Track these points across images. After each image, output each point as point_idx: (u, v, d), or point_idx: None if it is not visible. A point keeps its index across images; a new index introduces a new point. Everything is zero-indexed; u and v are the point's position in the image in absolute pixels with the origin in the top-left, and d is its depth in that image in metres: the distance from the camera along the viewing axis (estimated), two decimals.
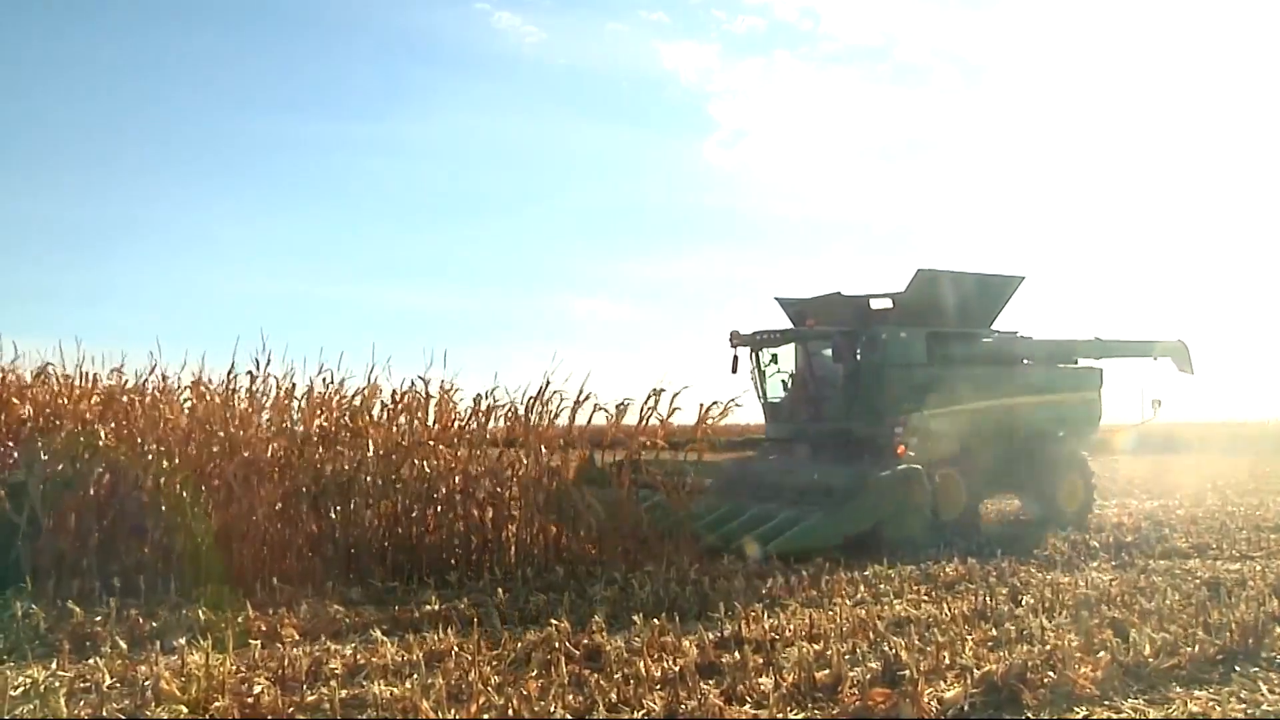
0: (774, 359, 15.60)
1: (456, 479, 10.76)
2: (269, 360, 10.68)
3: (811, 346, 14.94)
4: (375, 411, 11.00)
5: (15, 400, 9.71)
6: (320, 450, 10.41)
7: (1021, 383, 15.47)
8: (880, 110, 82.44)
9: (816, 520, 11.56)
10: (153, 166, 71.65)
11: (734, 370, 15.50)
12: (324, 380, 10.82)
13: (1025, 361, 16.03)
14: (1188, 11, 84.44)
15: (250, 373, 10.58)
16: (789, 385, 15.53)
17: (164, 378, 10.40)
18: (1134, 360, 17.40)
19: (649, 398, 11.86)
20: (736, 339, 15.36)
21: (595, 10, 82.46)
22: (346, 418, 10.82)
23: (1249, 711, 5.42)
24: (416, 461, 10.63)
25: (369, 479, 10.33)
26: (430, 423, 11.22)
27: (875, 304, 15.10)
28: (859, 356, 14.40)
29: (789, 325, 15.61)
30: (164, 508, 9.24)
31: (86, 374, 10.20)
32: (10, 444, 9.31)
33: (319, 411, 10.70)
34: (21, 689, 5.58)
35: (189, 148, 73.24)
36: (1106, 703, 5.51)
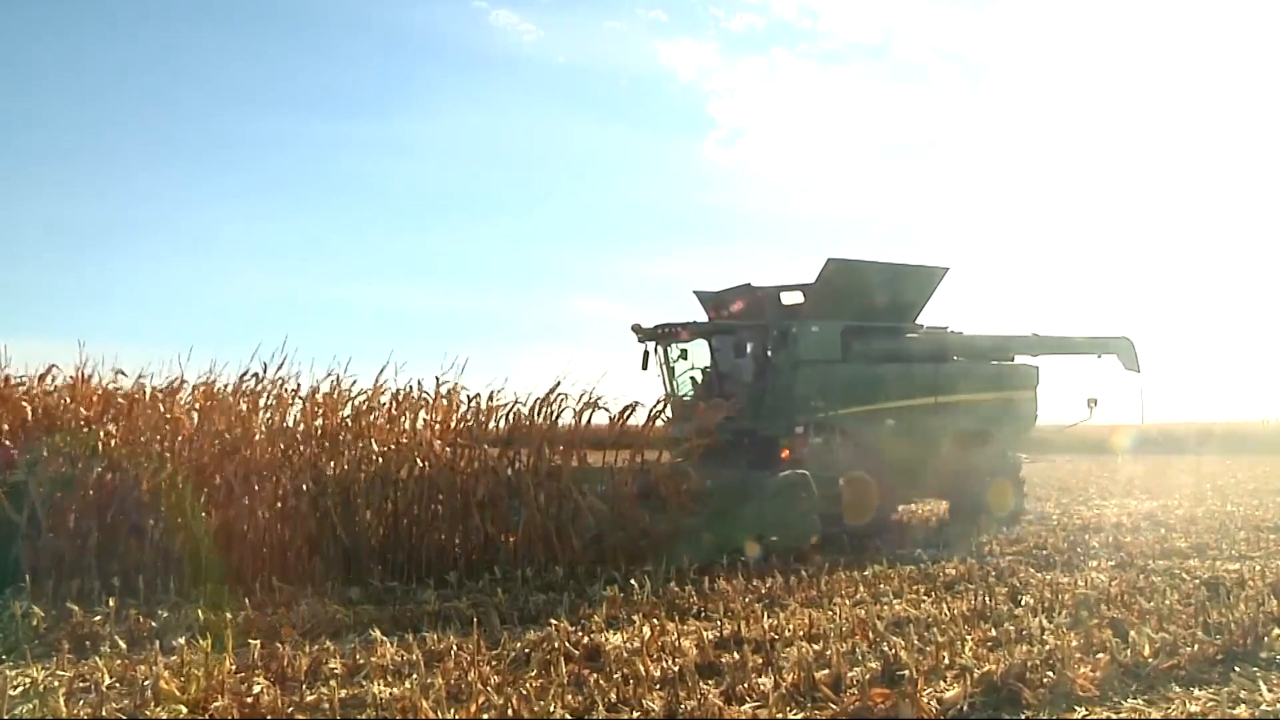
0: (683, 354, 14.87)
1: (457, 479, 10.77)
2: (278, 364, 10.68)
3: (719, 342, 14.23)
4: (376, 412, 11.00)
5: (17, 400, 9.69)
6: (320, 450, 10.40)
7: (950, 381, 14.86)
8: (880, 109, 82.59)
9: (710, 528, 10.90)
10: (153, 166, 71.74)
11: (644, 367, 14.85)
12: (325, 380, 10.81)
13: (955, 358, 15.39)
14: (1190, 8, 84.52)
15: (256, 375, 10.57)
16: (698, 383, 14.85)
17: (169, 379, 10.39)
18: (1080, 358, 16.94)
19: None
20: (640, 333, 14.65)
21: (593, 8, 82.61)
22: (347, 418, 10.81)
23: (1249, 712, 5.42)
24: (418, 461, 10.63)
25: (369, 479, 10.33)
26: (432, 422, 11.21)
27: (787, 297, 14.49)
28: (769, 352, 13.84)
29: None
30: (163, 507, 9.25)
31: (87, 374, 10.19)
32: (10, 444, 9.29)
33: (319, 411, 10.69)
34: (21, 689, 5.58)
35: (188, 147, 73.33)
36: (1106, 703, 5.51)
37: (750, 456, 13.39)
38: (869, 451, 13.64)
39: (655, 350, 14.85)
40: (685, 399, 14.74)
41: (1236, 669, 6.03)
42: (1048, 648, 6.26)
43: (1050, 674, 5.74)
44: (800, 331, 13.64)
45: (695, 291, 15.38)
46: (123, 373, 10.28)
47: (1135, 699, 5.58)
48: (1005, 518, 14.47)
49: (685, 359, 14.81)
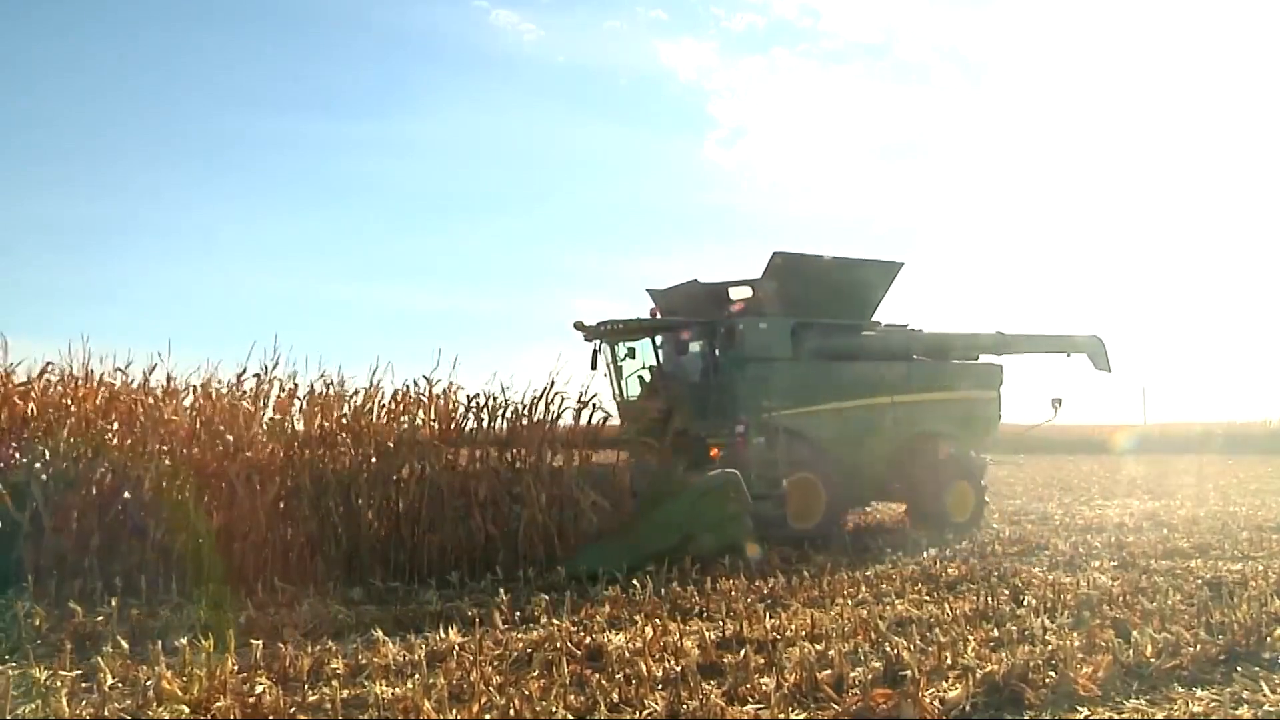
0: (631, 353, 14.34)
1: (457, 479, 10.77)
2: (276, 363, 10.66)
3: (664, 339, 13.73)
4: (376, 411, 10.99)
5: (18, 399, 9.69)
6: (321, 450, 10.39)
7: (908, 380, 14.36)
8: (881, 108, 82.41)
9: (630, 533, 10.62)
10: (153, 166, 71.65)
11: (594, 366, 14.28)
12: (325, 380, 10.80)
13: (916, 357, 14.86)
14: (1193, 5, 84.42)
15: (257, 375, 10.55)
16: (645, 382, 14.37)
17: (169, 378, 10.38)
18: (1049, 357, 16.37)
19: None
20: (584, 330, 13.98)
21: (593, 7, 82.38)
22: (348, 417, 10.81)
23: (1252, 712, 5.41)
24: (417, 462, 10.63)
25: (370, 479, 10.32)
26: (431, 422, 11.21)
27: (735, 293, 13.76)
28: (716, 350, 13.32)
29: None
30: (165, 508, 9.26)
31: (90, 373, 10.18)
32: (13, 443, 9.29)
33: (320, 411, 10.68)
34: (23, 688, 5.57)
35: (188, 147, 73.24)
36: (1108, 703, 5.50)
37: (690, 458, 12.78)
38: (819, 453, 13.18)
39: (602, 349, 14.33)
40: (632, 399, 14.36)
41: (1239, 669, 6.03)
42: (1050, 648, 6.25)
43: (1052, 674, 5.74)
44: (747, 328, 13.10)
45: (648, 289, 14.83)
46: (123, 371, 10.26)
47: (1137, 699, 5.58)
48: (965, 523, 13.92)
49: (634, 358, 14.35)
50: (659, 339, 13.89)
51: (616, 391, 14.46)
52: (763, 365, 13.07)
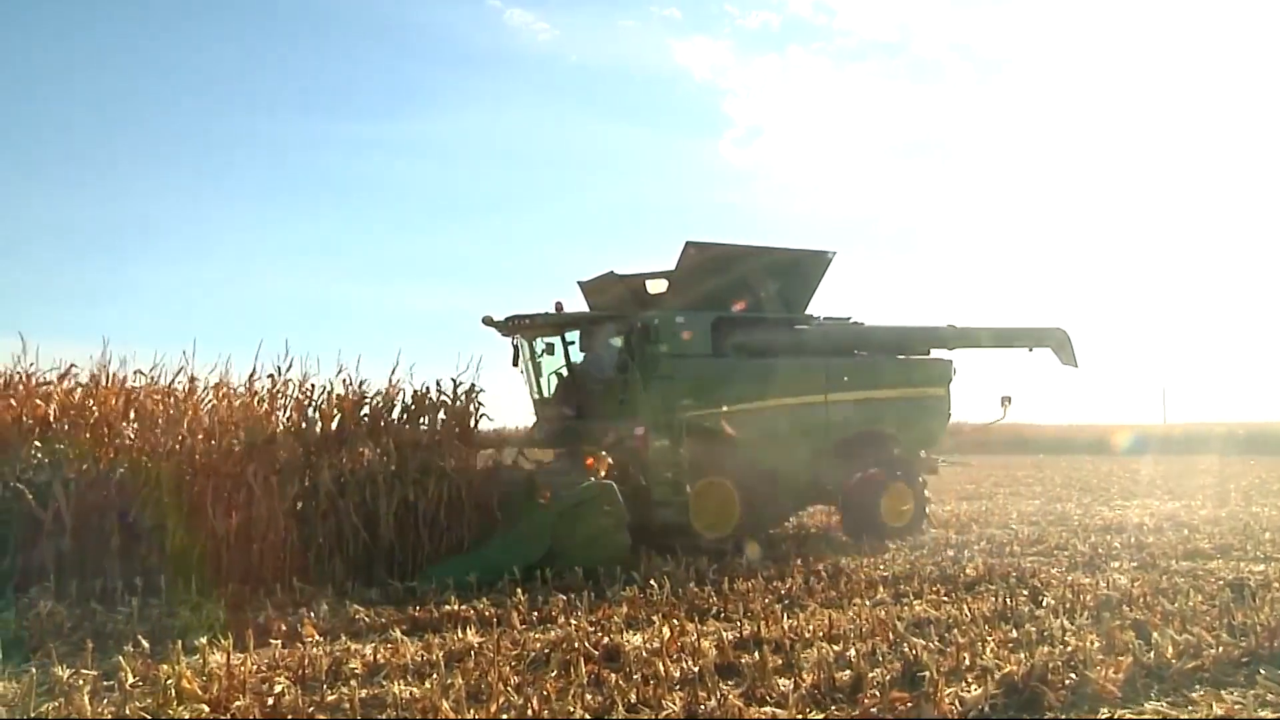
0: (549, 349, 13.40)
1: (475, 479, 10.81)
2: (290, 365, 10.72)
3: (578, 334, 12.85)
4: (395, 412, 11.05)
5: (40, 401, 9.79)
6: (339, 450, 10.44)
7: (844, 377, 13.34)
8: (897, 106, 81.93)
9: (489, 545, 10.17)
10: (169, 168, 72.12)
11: (515, 363, 13.63)
12: (344, 381, 10.86)
13: (857, 353, 13.95)
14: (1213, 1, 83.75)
15: (271, 376, 10.61)
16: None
17: (191, 379, 10.46)
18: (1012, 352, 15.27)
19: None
20: (491, 325, 13.21)
21: (607, 6, 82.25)
22: (365, 418, 10.86)
23: (1275, 714, 5.37)
24: (436, 462, 10.67)
25: (387, 479, 10.36)
26: (450, 423, 11.26)
27: (652, 286, 12.96)
28: (631, 347, 12.35)
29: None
30: (184, 508, 9.32)
31: (111, 375, 10.28)
32: (36, 444, 9.38)
33: (338, 412, 10.74)
34: (46, 686, 5.63)
35: (204, 149, 73.69)
36: (1128, 705, 5.47)
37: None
38: (737, 455, 12.25)
39: (521, 344, 13.56)
40: (549, 399, 13.56)
41: (1262, 671, 5.97)
42: (1069, 649, 6.22)
43: (1072, 675, 5.71)
44: (662, 323, 12.17)
45: (579, 282, 14.01)
46: (141, 372, 10.35)
47: (1158, 701, 5.54)
48: (901, 529, 13.03)
49: (553, 354, 13.45)
50: (569, 335, 13.07)
51: (534, 389, 13.69)
52: (678, 362, 12.20)
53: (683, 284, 12.60)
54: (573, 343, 13.06)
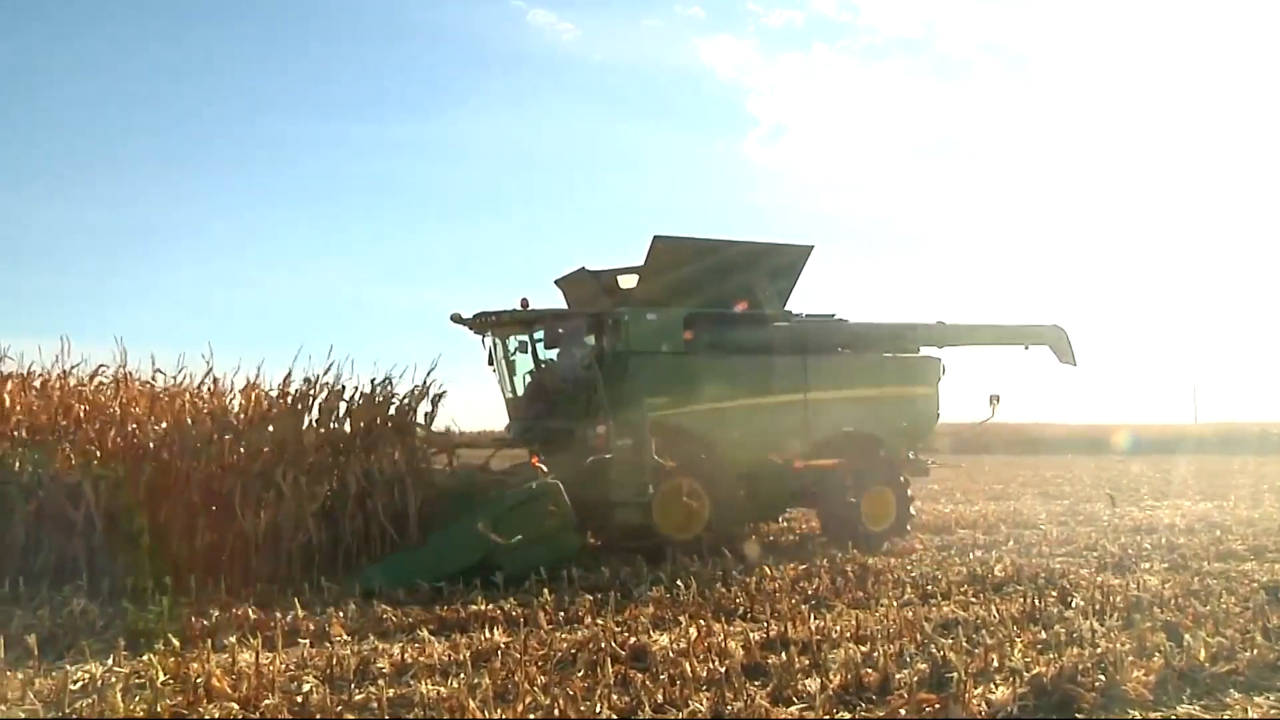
0: (524, 347, 13.05)
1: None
2: (328, 368, 10.80)
3: (546, 332, 12.32)
4: (421, 413, 11.12)
5: (74, 401, 9.92)
6: (367, 450, 10.50)
7: (824, 375, 12.95)
8: (923, 104, 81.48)
9: (427, 545, 9.89)
10: (193, 169, 72.99)
11: (490, 362, 13.37)
12: (371, 381, 10.92)
13: (840, 350, 13.60)
14: None
15: (307, 379, 10.65)
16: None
17: (215, 380, 10.57)
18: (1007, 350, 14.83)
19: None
20: (459, 322, 12.90)
21: (631, 6, 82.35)
22: (394, 419, 10.92)
23: None
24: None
25: (414, 479, 10.41)
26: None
27: (624, 281, 12.74)
28: (603, 343, 12.18)
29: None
30: (214, 507, 9.41)
31: (138, 375, 10.41)
32: (67, 443, 9.50)
33: (365, 412, 10.80)
34: (79, 684, 5.71)
35: (226, 151, 74.49)
36: (1160, 708, 5.41)
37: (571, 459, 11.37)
38: (709, 456, 11.94)
39: (495, 343, 13.27)
40: (519, 397, 13.28)
41: None
42: (1099, 651, 6.16)
43: (1102, 677, 5.66)
44: (632, 319, 11.97)
45: (556, 280, 13.78)
46: (162, 372, 10.48)
47: (1190, 704, 5.49)
48: (882, 533, 12.58)
49: (526, 352, 13.11)
50: (538, 331, 12.65)
51: (507, 388, 13.39)
52: (648, 359, 11.97)
53: (653, 279, 12.37)
54: (540, 340, 12.69)
